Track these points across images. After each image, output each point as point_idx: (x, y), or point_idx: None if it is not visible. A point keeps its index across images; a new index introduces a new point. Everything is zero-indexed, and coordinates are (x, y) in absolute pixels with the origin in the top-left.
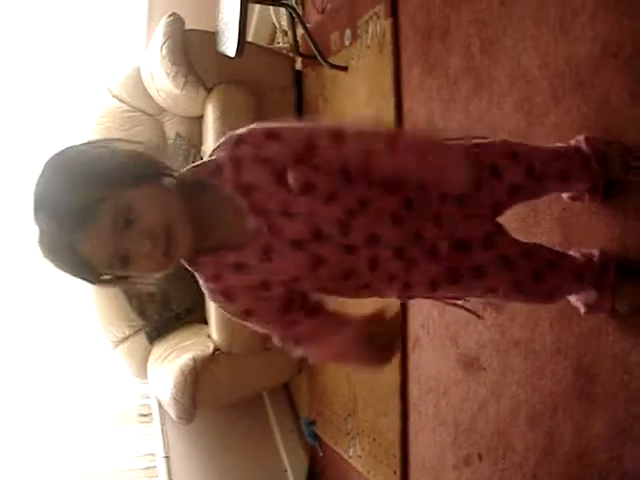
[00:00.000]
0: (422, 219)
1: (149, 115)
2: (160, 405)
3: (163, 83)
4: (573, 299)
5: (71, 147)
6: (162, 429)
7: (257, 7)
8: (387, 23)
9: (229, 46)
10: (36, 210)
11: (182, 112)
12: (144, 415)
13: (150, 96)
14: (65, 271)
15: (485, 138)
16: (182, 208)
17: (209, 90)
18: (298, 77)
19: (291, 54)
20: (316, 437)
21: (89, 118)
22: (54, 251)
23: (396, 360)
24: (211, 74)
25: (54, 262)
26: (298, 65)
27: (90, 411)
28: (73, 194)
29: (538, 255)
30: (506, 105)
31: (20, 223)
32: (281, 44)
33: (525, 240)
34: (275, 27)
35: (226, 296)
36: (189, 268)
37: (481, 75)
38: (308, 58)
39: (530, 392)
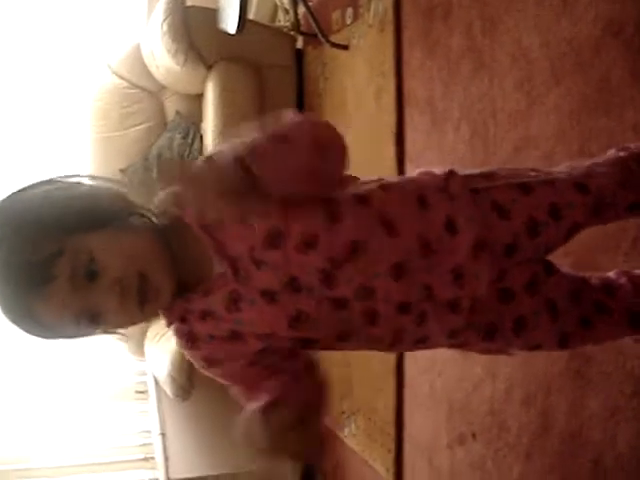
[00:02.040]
0: (437, 273)
1: (149, 92)
2: (157, 382)
3: (163, 60)
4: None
5: (12, 195)
6: (158, 406)
7: None
8: (389, 2)
9: (230, 23)
10: None
11: (182, 89)
12: (140, 392)
13: (150, 73)
14: (35, 336)
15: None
16: (157, 249)
17: (209, 67)
18: (299, 56)
19: (292, 32)
20: None
21: (88, 95)
22: (15, 320)
23: None
24: (211, 51)
25: (21, 329)
26: (299, 43)
27: (87, 388)
28: (23, 253)
29: (587, 293)
30: (507, 85)
31: None
32: (282, 22)
33: (571, 273)
34: (276, 5)
35: (189, 341)
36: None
37: (482, 55)
38: (309, 36)
39: (525, 372)
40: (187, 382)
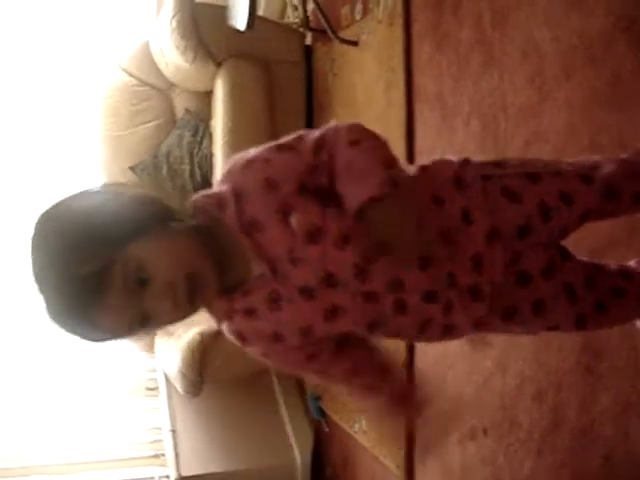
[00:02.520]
0: (458, 261)
1: (158, 90)
2: (167, 379)
3: (172, 57)
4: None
5: (58, 206)
6: (169, 403)
7: None
8: None
9: (239, 20)
10: (40, 288)
11: (191, 86)
12: (151, 389)
13: (159, 70)
14: (94, 341)
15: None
16: (200, 250)
17: (219, 64)
18: (308, 52)
19: (301, 29)
20: (322, 412)
21: (98, 92)
22: (71, 328)
23: None
24: (221, 48)
25: (81, 338)
26: (308, 40)
27: (97, 385)
28: (75, 266)
29: (603, 279)
30: (517, 80)
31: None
32: (291, 19)
33: (586, 259)
34: (285, 1)
35: (241, 339)
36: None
37: (492, 49)
38: (318, 33)
39: (536, 367)
40: (197, 378)
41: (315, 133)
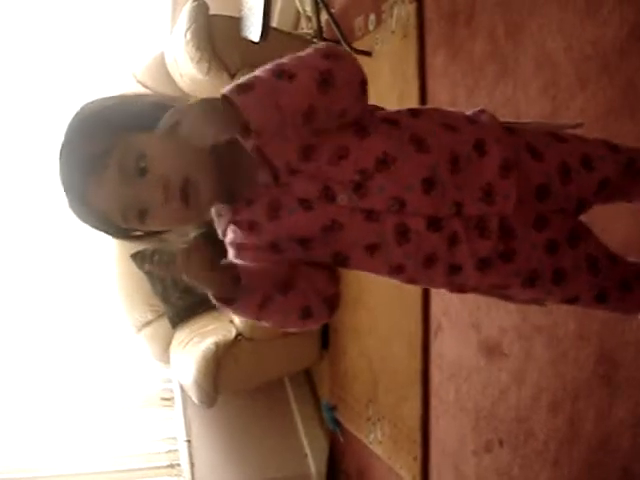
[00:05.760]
0: (467, 189)
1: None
2: (182, 389)
3: (187, 68)
4: None
5: (94, 99)
6: (184, 413)
7: None
8: (412, 7)
9: (253, 31)
10: (58, 159)
11: None
12: (166, 399)
13: (174, 81)
14: (87, 223)
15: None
16: (203, 158)
17: (233, 75)
18: None
19: (315, 39)
20: (337, 422)
21: None
22: (72, 204)
23: (418, 346)
24: (235, 59)
25: (75, 214)
26: None
27: (113, 394)
28: (85, 144)
29: (625, 263)
30: (531, 90)
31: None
32: (305, 30)
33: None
34: (299, 12)
35: (236, 250)
36: (215, 218)
37: (506, 59)
38: (332, 43)
39: (552, 378)
40: (212, 389)
41: None
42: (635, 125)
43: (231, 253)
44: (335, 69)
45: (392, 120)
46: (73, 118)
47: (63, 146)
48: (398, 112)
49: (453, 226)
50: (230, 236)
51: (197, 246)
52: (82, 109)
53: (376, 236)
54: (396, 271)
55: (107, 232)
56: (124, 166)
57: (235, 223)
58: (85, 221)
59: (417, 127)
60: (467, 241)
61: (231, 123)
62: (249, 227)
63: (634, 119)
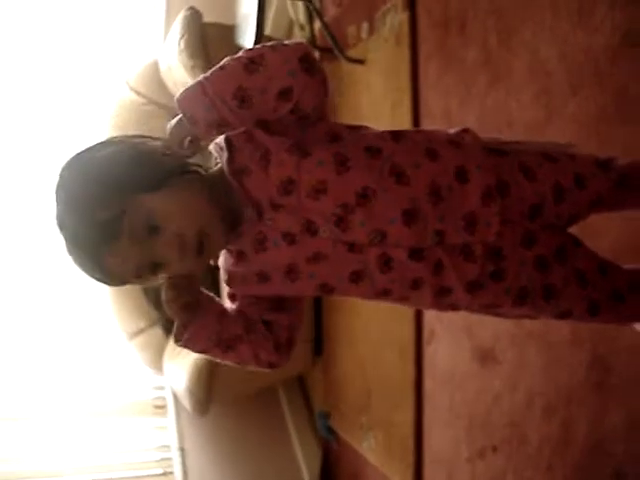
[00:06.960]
0: (449, 219)
1: (166, 108)
2: (175, 397)
3: (181, 76)
4: None
5: (80, 155)
6: (177, 421)
7: (275, 0)
8: (404, 16)
9: (247, 39)
10: (60, 232)
11: None
12: (159, 407)
13: (167, 89)
14: (100, 282)
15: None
16: (211, 208)
17: None
18: None
19: None
20: (330, 430)
21: (106, 111)
22: (84, 269)
23: (411, 353)
24: None
25: (85, 274)
26: None
27: (105, 402)
28: (90, 215)
29: (617, 273)
30: (524, 97)
31: (39, 216)
32: (298, 37)
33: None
34: (292, 20)
35: (229, 279)
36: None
37: (499, 67)
38: (325, 51)
39: (545, 384)
40: (205, 396)
41: None
42: (627, 130)
43: (223, 277)
44: (268, 52)
45: (374, 148)
46: (66, 185)
47: (62, 217)
48: (381, 135)
49: (436, 254)
50: (222, 261)
51: (172, 284)
52: (72, 172)
53: (359, 264)
54: (383, 294)
55: (122, 285)
56: (135, 230)
57: (227, 251)
58: (102, 282)
59: (398, 155)
60: (453, 267)
61: (180, 124)
62: (237, 256)
63: (625, 125)
